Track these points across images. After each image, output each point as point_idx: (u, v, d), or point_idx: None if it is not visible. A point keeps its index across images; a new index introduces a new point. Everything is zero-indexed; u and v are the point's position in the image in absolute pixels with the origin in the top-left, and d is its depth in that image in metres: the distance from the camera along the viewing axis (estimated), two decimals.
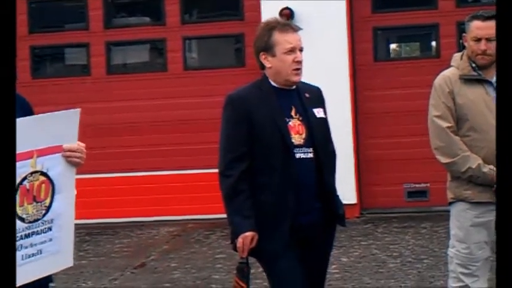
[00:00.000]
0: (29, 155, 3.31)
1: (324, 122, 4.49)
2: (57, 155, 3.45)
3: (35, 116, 3.50)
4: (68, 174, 3.52)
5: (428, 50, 11.22)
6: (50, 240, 3.46)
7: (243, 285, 4.33)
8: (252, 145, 4.31)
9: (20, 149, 3.24)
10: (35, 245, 3.40)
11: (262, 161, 4.32)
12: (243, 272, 4.33)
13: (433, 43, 10.90)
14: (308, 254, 4.39)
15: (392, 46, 11.69)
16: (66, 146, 3.48)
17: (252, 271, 4.41)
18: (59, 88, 10.90)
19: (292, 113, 4.38)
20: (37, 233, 3.40)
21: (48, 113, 3.47)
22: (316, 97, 4.52)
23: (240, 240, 4.28)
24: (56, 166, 3.44)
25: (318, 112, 4.46)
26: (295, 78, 4.38)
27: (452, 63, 5.05)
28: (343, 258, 8.27)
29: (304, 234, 4.34)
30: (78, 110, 3.55)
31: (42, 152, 3.37)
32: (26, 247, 3.36)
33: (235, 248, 4.35)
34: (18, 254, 3.31)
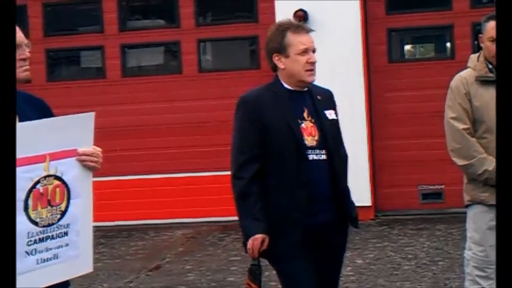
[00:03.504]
0: (41, 159, 3.29)
1: (336, 124, 4.48)
2: (71, 159, 3.43)
3: (47, 119, 3.47)
4: (84, 179, 3.49)
5: (443, 51, 11.19)
6: (67, 245, 3.44)
7: (254, 287, 4.33)
8: (265, 147, 4.31)
9: (31, 152, 3.23)
10: (51, 249, 3.37)
11: (275, 163, 4.31)
12: (255, 274, 4.33)
13: (448, 44, 10.87)
14: (321, 256, 4.38)
15: (407, 47, 11.67)
16: (81, 150, 3.47)
17: (266, 273, 4.42)
18: (74, 91, 10.94)
19: (305, 115, 4.37)
20: (52, 238, 3.38)
21: (61, 116, 3.45)
22: (328, 99, 4.52)
23: (250, 242, 4.28)
24: (70, 170, 3.42)
25: (330, 114, 4.46)
26: (309, 79, 4.38)
27: (468, 65, 5.03)
28: (358, 260, 8.26)
29: (316, 235, 4.33)
30: (93, 113, 3.52)
31: (56, 156, 3.35)
32: (41, 251, 3.34)
33: (246, 250, 4.36)
34: (33, 259, 3.30)
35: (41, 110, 3.60)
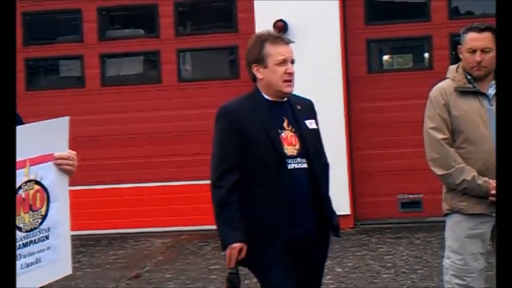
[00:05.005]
0: (22, 164, 3.33)
1: (316, 133, 4.53)
2: (49, 163, 3.48)
3: (25, 125, 3.51)
4: (61, 183, 3.55)
5: (421, 62, 11.27)
6: (48, 248, 3.49)
7: None
8: (245, 156, 4.34)
9: None
10: (33, 253, 3.42)
11: (255, 172, 4.35)
12: (233, 283, 4.35)
13: (426, 55, 10.95)
14: (302, 265, 4.42)
15: (385, 58, 11.74)
16: (57, 154, 3.52)
17: (245, 282, 4.44)
18: (53, 100, 10.91)
19: (285, 125, 4.41)
20: (35, 242, 3.43)
21: (38, 122, 3.50)
22: (308, 109, 4.57)
23: (228, 251, 4.32)
24: (49, 175, 3.47)
25: (310, 123, 4.50)
26: (287, 90, 4.42)
27: (447, 75, 5.09)
28: (337, 268, 8.29)
29: (298, 244, 4.36)
30: (67, 118, 3.58)
31: (34, 161, 3.40)
32: (25, 256, 3.38)
33: None
34: (17, 264, 3.33)
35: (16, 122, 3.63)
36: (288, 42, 4.48)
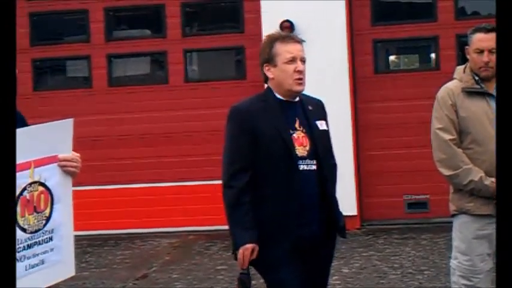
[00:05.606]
0: (26, 166, 3.35)
1: (326, 134, 4.53)
2: (53, 165, 3.50)
3: (30, 127, 3.53)
4: (65, 184, 3.57)
5: (428, 62, 11.26)
6: (52, 250, 3.50)
7: None
8: (256, 156, 4.34)
9: (18, 159, 3.28)
10: (37, 255, 3.44)
11: (266, 173, 4.35)
12: (245, 283, 4.36)
13: (433, 55, 10.95)
14: (311, 265, 4.42)
15: (392, 58, 11.73)
16: (61, 156, 3.53)
17: (253, 282, 4.45)
18: (60, 100, 10.94)
19: (296, 125, 4.41)
20: (39, 243, 3.44)
21: (42, 124, 3.51)
22: (319, 110, 4.57)
23: (240, 251, 4.32)
24: (53, 176, 3.49)
25: (321, 124, 4.50)
26: (298, 88, 4.42)
27: (455, 76, 5.09)
28: (344, 269, 8.30)
29: (306, 245, 4.37)
30: (71, 119, 3.59)
31: (39, 163, 3.42)
32: (29, 257, 3.40)
33: (236, 259, 4.38)
34: (22, 265, 3.35)
35: (20, 123, 3.63)
36: (298, 40, 4.48)
